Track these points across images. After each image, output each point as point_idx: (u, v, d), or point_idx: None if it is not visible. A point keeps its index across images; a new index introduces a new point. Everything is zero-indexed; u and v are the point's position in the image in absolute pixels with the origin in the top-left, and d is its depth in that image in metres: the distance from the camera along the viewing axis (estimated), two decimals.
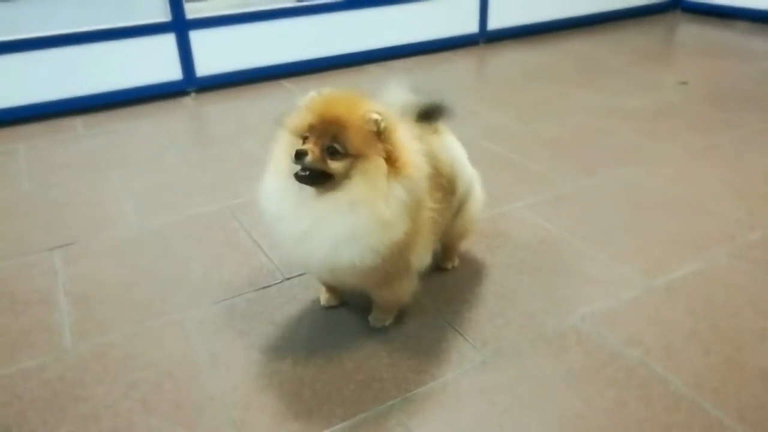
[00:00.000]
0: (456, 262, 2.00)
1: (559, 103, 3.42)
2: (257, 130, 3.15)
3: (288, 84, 3.85)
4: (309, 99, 1.50)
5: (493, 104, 3.44)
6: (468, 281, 1.93)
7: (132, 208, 2.44)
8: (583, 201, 2.39)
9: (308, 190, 1.46)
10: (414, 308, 1.79)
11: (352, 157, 1.43)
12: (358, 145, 1.42)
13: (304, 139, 1.45)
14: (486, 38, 4.61)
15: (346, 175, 1.43)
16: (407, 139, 1.50)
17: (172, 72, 3.67)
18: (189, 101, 3.66)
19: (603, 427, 1.41)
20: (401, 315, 1.76)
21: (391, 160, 1.44)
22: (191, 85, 3.71)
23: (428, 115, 1.70)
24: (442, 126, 1.78)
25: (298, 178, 1.42)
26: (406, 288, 1.66)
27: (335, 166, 1.42)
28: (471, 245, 2.09)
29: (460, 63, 4.27)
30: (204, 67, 3.72)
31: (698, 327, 1.71)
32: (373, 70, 4.08)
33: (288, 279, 1.95)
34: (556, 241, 2.12)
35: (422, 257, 1.62)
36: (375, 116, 1.42)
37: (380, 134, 1.43)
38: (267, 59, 3.90)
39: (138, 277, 2.00)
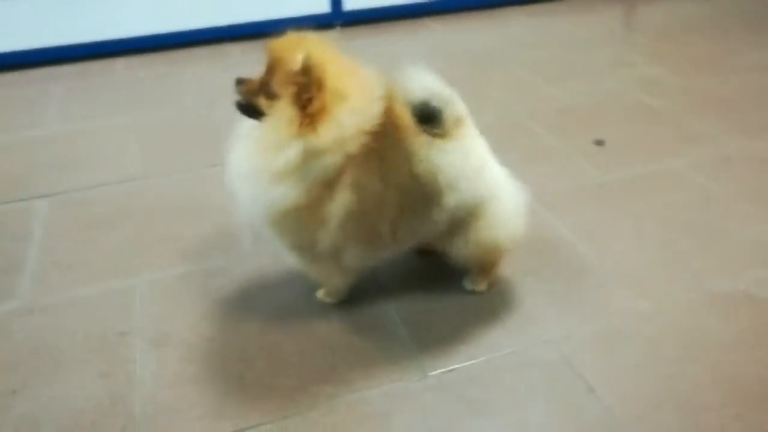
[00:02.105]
0: (482, 287, 1.66)
1: (721, 58, 3.18)
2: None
3: (432, 23, 3.82)
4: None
5: (649, 56, 3.25)
6: (646, 231, 1.91)
7: None
8: (751, 164, 2.25)
9: (250, 124, 1.40)
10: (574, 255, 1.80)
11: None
12: (278, 85, 1.31)
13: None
14: None
15: None
16: (351, 93, 1.31)
17: (321, 4, 3.75)
18: (335, 35, 3.73)
19: None
20: (566, 272, 1.78)
21: (308, 112, 1.29)
22: (338, 18, 3.78)
23: (424, 116, 1.40)
24: (461, 126, 1.45)
25: (235, 104, 1.39)
26: (323, 274, 1.57)
27: (262, 103, 1.34)
28: (636, 197, 2.05)
29: (608, 12, 4.05)
30: (351, 1, 3.77)
31: None
32: (517, 15, 3.95)
33: None
34: (722, 203, 2.03)
35: (338, 247, 1.42)
36: (300, 55, 1.27)
37: (302, 75, 1.27)
38: None
39: None
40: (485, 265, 1.63)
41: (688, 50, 3.32)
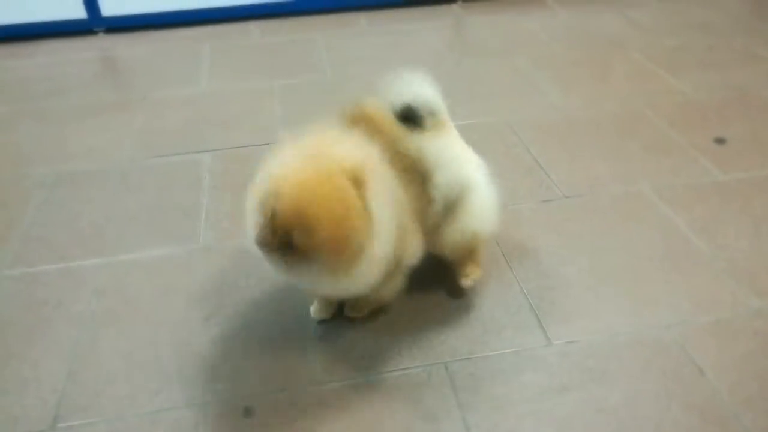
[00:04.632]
0: (475, 276, 1.75)
1: None
2: (523, 47, 3.30)
3: (553, 3, 3.87)
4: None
5: None
6: (762, 232, 2.00)
7: None
8: None
9: None
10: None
11: None
12: (306, 247, 1.32)
13: None
14: None
15: None
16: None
17: None
18: (456, 9, 3.86)
19: None
20: (682, 264, 1.91)
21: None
22: None
23: (406, 117, 1.52)
24: (440, 127, 1.59)
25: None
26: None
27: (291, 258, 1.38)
28: (755, 198, 2.13)
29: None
30: None
31: None
32: None
33: (567, 197, 2.18)
34: None
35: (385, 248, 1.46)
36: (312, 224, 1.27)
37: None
38: None
39: None
40: (470, 256, 1.74)
41: None
